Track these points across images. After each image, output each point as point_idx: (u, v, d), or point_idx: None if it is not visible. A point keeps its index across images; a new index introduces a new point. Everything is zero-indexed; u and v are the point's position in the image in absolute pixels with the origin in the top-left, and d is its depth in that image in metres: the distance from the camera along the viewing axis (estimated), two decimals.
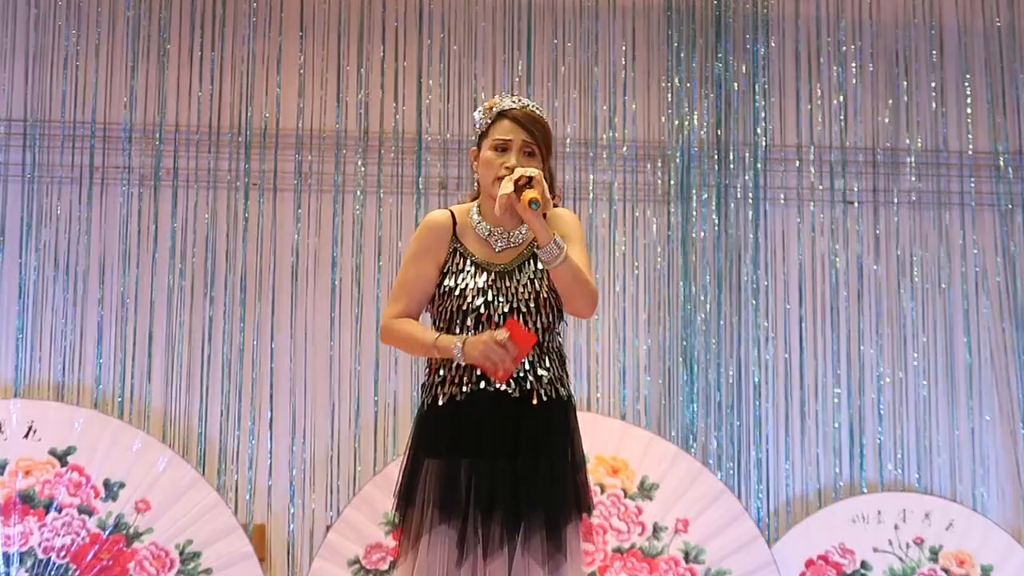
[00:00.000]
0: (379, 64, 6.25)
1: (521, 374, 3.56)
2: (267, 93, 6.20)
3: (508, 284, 3.60)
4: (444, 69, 6.25)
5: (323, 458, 6.06)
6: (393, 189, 6.21)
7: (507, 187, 3.49)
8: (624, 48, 6.35)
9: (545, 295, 3.60)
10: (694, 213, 6.26)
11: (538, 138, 3.63)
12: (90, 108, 6.12)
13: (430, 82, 6.25)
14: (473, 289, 3.59)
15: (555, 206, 3.67)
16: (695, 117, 6.30)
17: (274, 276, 6.14)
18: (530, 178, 3.48)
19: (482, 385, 3.56)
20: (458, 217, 3.68)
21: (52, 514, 5.69)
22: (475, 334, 3.54)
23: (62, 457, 5.77)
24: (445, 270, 3.63)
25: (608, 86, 6.29)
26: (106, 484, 5.77)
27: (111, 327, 6.05)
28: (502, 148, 3.62)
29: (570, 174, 6.25)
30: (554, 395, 3.60)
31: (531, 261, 3.64)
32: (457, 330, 3.59)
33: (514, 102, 3.66)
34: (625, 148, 6.31)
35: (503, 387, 3.54)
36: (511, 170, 3.56)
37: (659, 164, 6.29)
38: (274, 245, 6.15)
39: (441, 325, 3.63)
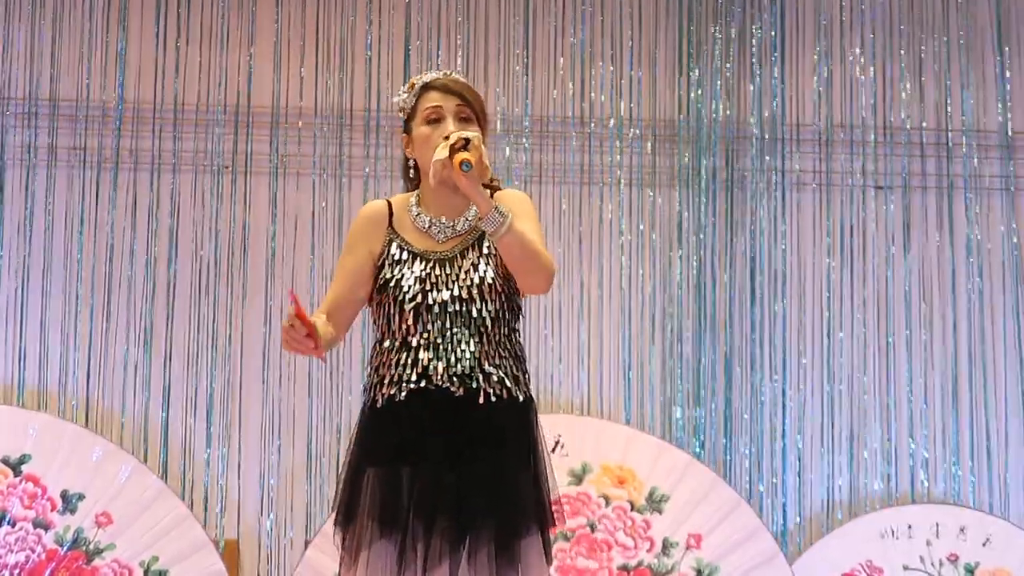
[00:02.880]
0: (363, 35, 6.17)
1: (466, 371, 3.44)
2: (239, 67, 6.12)
3: (448, 272, 3.49)
4: (435, 42, 6.19)
5: (301, 466, 5.96)
6: (374, 172, 6.11)
7: (441, 153, 3.37)
8: (630, 13, 6.27)
9: (491, 281, 3.49)
10: (707, 199, 6.18)
11: (471, 102, 3.53)
12: (45, 84, 6.05)
13: (428, 56, 6.17)
14: (409, 279, 3.48)
15: (497, 186, 3.60)
16: (705, 92, 6.24)
17: (247, 268, 6.05)
18: (467, 140, 3.37)
19: (423, 384, 3.44)
20: (395, 207, 3.60)
21: (5, 528, 5.61)
22: (415, 329, 3.46)
23: (16, 466, 5.69)
24: (381, 262, 3.54)
25: (614, 59, 6.24)
26: (64, 496, 5.68)
27: (66, 324, 5.96)
28: (435, 119, 3.52)
29: (569, 156, 6.17)
30: (505, 395, 3.46)
31: (476, 246, 3.53)
32: (395, 323, 3.48)
33: (436, 73, 3.60)
34: (631, 127, 6.22)
35: (445, 385, 3.43)
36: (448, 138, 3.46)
37: (668, 145, 6.22)
38: (246, 234, 6.05)
39: (380, 320, 3.53)
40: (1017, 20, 6.37)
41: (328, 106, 6.10)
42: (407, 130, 3.58)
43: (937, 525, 5.93)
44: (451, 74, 3.59)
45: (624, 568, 5.74)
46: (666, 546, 5.77)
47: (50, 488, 5.65)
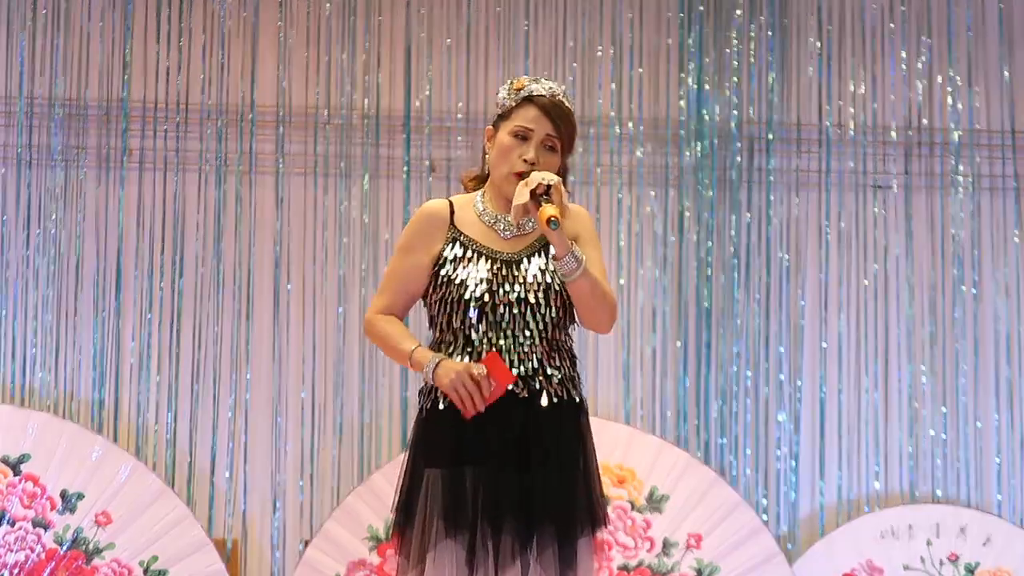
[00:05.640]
0: (363, 35, 6.14)
1: (530, 373, 3.47)
2: (242, 66, 6.09)
3: (516, 273, 3.51)
4: (435, 42, 6.17)
5: (303, 467, 5.95)
6: (378, 171, 6.09)
7: (522, 195, 3.40)
8: (631, 13, 6.23)
9: (557, 288, 3.50)
10: (706, 198, 6.15)
11: (563, 133, 3.54)
12: (46, 83, 6.00)
13: (429, 56, 6.14)
14: (475, 277, 3.49)
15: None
16: (706, 92, 6.20)
17: (251, 269, 6.03)
18: (548, 186, 3.39)
19: None
20: (457, 206, 3.60)
21: (4, 528, 5.59)
22: (479, 328, 3.47)
23: (15, 465, 5.68)
24: (442, 259, 3.53)
25: (614, 59, 6.20)
26: (63, 495, 5.66)
27: (67, 323, 5.92)
28: (522, 136, 3.53)
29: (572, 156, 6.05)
30: (565, 397, 3.52)
31: (542, 252, 3.55)
32: (457, 322, 3.49)
33: (544, 88, 3.56)
34: (632, 127, 6.18)
35: (510, 387, 3.43)
36: (528, 162, 3.50)
37: (669, 145, 6.18)
38: (251, 234, 6.02)
39: (440, 318, 3.52)
40: (1020, 17, 6.34)
41: (331, 106, 6.06)
42: (495, 125, 3.57)
43: (937, 525, 5.91)
44: (556, 95, 3.54)
45: (624, 568, 5.73)
46: (666, 546, 5.75)
47: (49, 487, 5.63)
